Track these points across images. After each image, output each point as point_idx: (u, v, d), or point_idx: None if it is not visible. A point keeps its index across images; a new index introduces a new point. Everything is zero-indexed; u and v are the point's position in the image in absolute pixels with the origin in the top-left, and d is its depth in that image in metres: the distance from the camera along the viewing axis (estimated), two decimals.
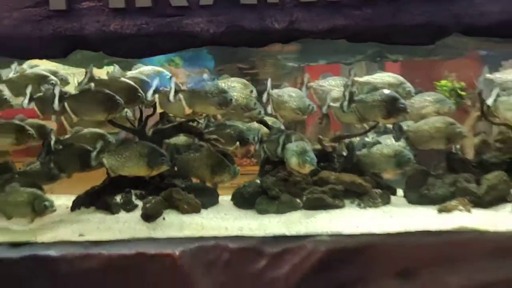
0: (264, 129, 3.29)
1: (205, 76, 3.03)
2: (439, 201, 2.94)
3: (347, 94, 3.05)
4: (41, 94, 2.97)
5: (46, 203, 2.73)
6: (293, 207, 2.94)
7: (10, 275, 2.41)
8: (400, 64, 3.97)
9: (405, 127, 3.19)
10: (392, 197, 3.15)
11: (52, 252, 2.46)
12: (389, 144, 3.22)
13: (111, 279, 2.43)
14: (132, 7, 2.43)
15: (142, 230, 2.73)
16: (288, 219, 2.85)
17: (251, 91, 3.14)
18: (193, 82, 3.02)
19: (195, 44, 2.49)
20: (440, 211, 2.85)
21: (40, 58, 2.76)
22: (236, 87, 3.05)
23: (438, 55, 3.69)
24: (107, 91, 2.86)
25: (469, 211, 2.82)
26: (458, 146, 3.37)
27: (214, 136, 3.09)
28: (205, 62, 3.85)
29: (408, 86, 3.17)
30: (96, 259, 2.44)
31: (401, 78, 3.19)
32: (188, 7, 2.44)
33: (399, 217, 2.83)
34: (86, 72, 2.91)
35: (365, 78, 3.21)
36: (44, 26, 2.40)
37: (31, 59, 2.87)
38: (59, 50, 2.48)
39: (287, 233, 2.67)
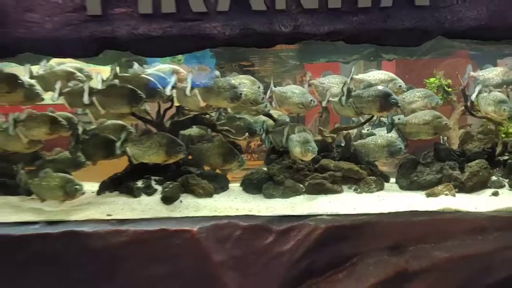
0: (270, 121, 3.55)
1: (217, 72, 3.30)
2: (427, 187, 3.19)
3: (345, 90, 3.29)
4: (69, 89, 3.27)
5: (77, 186, 3.00)
6: (297, 192, 3.18)
7: (50, 248, 2.70)
8: (395, 63, 4.19)
9: (396, 120, 3.41)
10: (386, 184, 3.37)
11: (86, 228, 2.74)
12: (382, 135, 3.45)
13: (138, 251, 2.70)
14: (158, 13, 2.70)
15: (162, 211, 3.01)
16: (292, 202, 3.10)
17: (259, 87, 3.37)
18: (207, 78, 3.27)
19: (212, 44, 2.78)
20: (428, 195, 3.10)
21: (76, 57, 3.05)
22: (245, 83, 3.29)
23: (430, 55, 3.94)
24: (130, 86, 3.13)
25: (453, 195, 3.08)
26: (445, 138, 3.67)
27: (226, 128, 3.38)
28: (206, 59, 4.01)
29: (399, 82, 3.41)
30: (125, 234, 2.71)
31: (392, 75, 3.44)
32: (207, 13, 2.72)
33: (391, 200, 3.08)
34: (111, 70, 3.21)
35: (361, 76, 3.46)
36: (82, 29, 2.69)
37: (69, 58, 3.16)
38: (93, 50, 2.77)
39: (292, 213, 2.90)
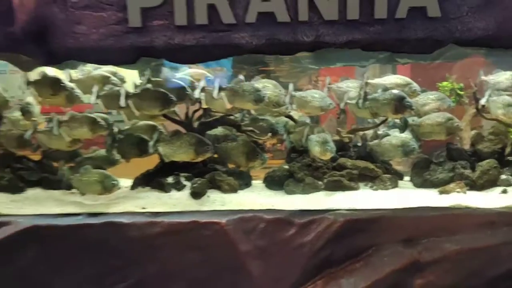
0: (290, 122, 3.74)
1: (241, 77, 3.48)
2: (440, 185, 3.35)
3: (362, 93, 3.48)
4: (105, 92, 3.52)
5: (114, 182, 3.25)
6: (316, 188, 3.36)
7: (93, 237, 2.96)
8: (410, 66, 4.31)
9: (411, 121, 3.58)
10: (400, 182, 3.55)
11: (124, 220, 2.98)
12: (397, 135, 3.59)
13: (172, 240, 2.94)
14: (192, 24, 2.94)
15: (191, 205, 3.23)
16: (312, 197, 3.30)
17: (280, 90, 3.55)
18: (224, 78, 3.48)
19: (241, 53, 3.01)
20: (440, 192, 3.27)
21: (117, 65, 3.32)
22: (268, 86, 3.47)
23: (443, 58, 4.08)
24: (162, 90, 3.35)
25: (465, 192, 3.24)
26: (458, 138, 3.83)
27: (250, 128, 3.59)
28: (223, 61, 4.10)
29: (414, 86, 3.56)
30: (159, 226, 2.95)
31: (407, 79, 3.58)
32: (236, 24, 2.95)
33: (406, 196, 3.25)
34: (144, 75, 3.46)
35: (376, 80, 3.62)
36: (124, 40, 2.94)
37: (111, 65, 3.43)
38: (132, 59, 3.03)
39: (312, 208, 3.09)
